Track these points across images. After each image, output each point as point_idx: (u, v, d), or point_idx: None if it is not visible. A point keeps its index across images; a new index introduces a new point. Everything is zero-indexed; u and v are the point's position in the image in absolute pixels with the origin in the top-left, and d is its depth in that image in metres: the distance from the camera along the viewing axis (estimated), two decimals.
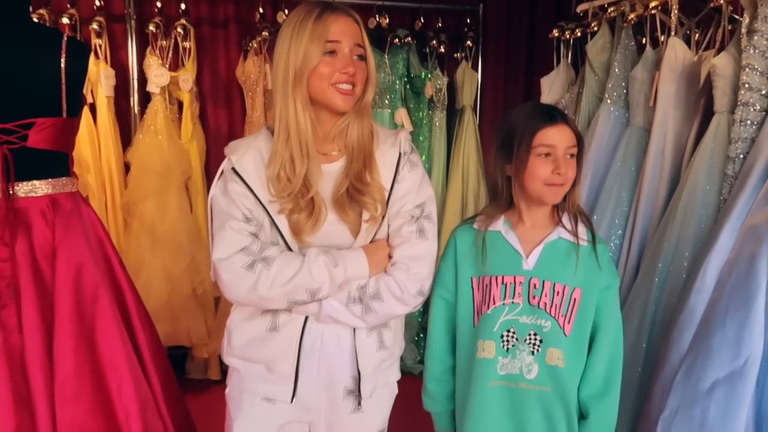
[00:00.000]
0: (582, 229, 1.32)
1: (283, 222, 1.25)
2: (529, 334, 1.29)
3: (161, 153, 2.83)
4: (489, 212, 1.37)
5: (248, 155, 1.27)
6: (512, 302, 1.29)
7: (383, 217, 1.29)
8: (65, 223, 1.52)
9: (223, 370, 3.09)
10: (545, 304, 1.28)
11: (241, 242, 1.22)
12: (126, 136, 3.00)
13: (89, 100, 2.85)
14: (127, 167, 2.94)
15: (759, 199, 1.58)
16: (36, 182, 1.55)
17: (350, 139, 1.28)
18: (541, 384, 1.29)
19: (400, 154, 1.31)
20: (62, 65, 1.49)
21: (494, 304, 1.30)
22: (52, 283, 1.47)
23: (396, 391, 1.45)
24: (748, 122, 1.74)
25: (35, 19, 2.66)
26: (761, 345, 1.27)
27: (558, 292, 1.27)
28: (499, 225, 1.34)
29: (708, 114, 1.94)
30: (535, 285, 1.28)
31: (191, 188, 3.05)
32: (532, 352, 1.28)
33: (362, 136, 1.29)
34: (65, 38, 1.52)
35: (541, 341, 1.28)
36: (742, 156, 1.75)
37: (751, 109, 1.73)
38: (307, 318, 1.28)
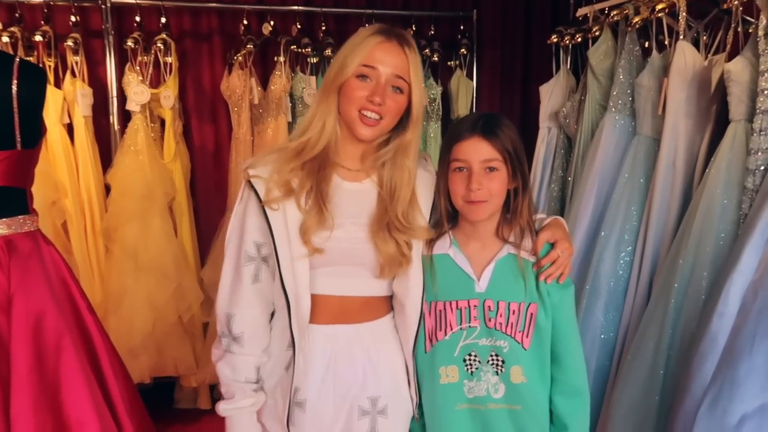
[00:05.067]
0: (529, 243, 1.28)
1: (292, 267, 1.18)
2: (491, 356, 1.27)
3: (143, 174, 2.71)
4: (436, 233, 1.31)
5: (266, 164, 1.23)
6: (469, 326, 1.27)
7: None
8: (23, 266, 1.37)
9: (213, 398, 2.99)
10: (501, 324, 1.26)
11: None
12: (107, 157, 2.87)
13: (65, 120, 2.72)
14: (108, 190, 2.81)
15: None
16: None
17: (386, 178, 1.25)
18: (510, 402, 1.27)
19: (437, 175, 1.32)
20: (13, 91, 1.34)
21: (451, 329, 1.27)
22: (8, 335, 1.33)
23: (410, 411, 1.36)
24: None
25: (6, 38, 2.53)
26: None
27: (513, 311, 1.25)
28: (447, 246, 1.29)
29: (721, 121, 1.84)
30: (489, 307, 1.26)
31: (175, 210, 2.92)
32: (497, 373, 1.27)
33: (399, 180, 1.23)
34: (17, 61, 1.38)
35: (503, 361, 1.27)
36: (762, 168, 1.65)
37: None
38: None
